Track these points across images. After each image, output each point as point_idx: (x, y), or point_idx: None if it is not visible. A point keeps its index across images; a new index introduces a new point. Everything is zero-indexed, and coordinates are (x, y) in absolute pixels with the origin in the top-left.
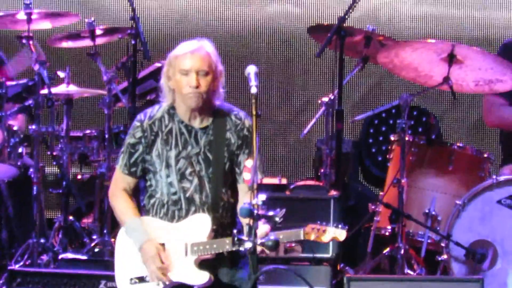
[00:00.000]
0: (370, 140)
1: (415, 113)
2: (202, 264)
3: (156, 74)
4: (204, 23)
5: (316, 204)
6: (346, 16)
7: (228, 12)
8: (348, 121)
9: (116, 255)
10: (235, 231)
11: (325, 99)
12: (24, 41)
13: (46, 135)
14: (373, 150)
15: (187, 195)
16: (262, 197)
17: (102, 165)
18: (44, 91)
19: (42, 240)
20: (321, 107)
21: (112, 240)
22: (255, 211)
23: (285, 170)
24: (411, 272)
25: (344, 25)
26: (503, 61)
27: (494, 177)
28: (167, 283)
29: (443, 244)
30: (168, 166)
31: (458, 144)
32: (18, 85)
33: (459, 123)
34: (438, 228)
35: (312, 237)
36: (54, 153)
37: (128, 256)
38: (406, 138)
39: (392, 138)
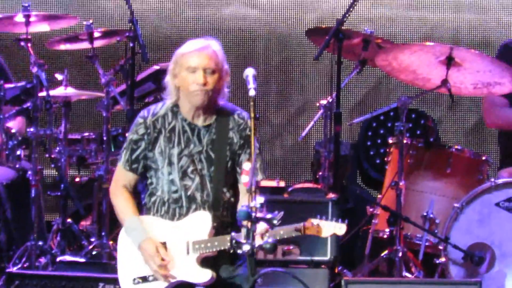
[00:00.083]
0: (368, 143)
1: (413, 115)
2: (204, 261)
3: (154, 77)
4: (202, 26)
5: (314, 207)
6: (344, 19)
7: (226, 14)
8: (346, 124)
9: (118, 255)
10: (233, 233)
11: (323, 101)
12: (22, 43)
13: (44, 137)
14: (371, 152)
15: (188, 193)
16: (260, 199)
17: (100, 167)
18: (43, 93)
19: (40, 243)
20: (319, 110)
21: (111, 242)
22: (253, 214)
23: (283, 172)
24: (409, 275)
25: (342, 28)
26: (502, 63)
27: (492, 179)
28: (171, 280)
29: (441, 247)
30: (170, 163)
31: (456, 147)
32: (16, 87)
33: (457, 126)
34: (436, 231)
35: (312, 232)
36: (53, 156)
37: (130, 256)
38: (404, 141)
39: (390, 141)
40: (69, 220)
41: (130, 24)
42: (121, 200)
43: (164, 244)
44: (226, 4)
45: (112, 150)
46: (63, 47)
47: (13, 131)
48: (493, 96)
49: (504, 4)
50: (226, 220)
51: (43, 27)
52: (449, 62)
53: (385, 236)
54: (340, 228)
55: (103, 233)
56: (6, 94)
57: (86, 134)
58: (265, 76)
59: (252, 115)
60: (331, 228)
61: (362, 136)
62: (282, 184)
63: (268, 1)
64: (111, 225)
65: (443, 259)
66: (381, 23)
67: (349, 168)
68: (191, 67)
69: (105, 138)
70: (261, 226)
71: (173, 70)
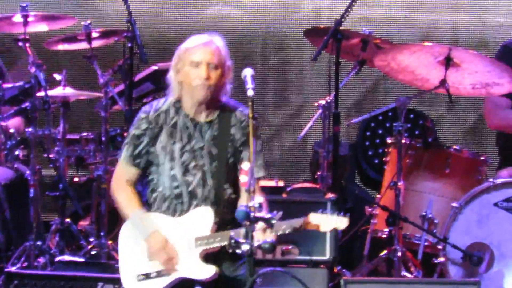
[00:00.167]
0: (367, 143)
1: (412, 116)
2: (206, 257)
3: (152, 77)
4: (200, 26)
5: (313, 207)
6: (343, 19)
7: (225, 15)
8: (345, 124)
9: (120, 252)
10: (232, 233)
11: (322, 102)
12: (20, 43)
13: (42, 137)
14: (370, 153)
15: (190, 188)
16: (259, 199)
17: (98, 168)
18: (41, 93)
19: (39, 243)
20: (318, 110)
21: (109, 242)
22: (252, 214)
23: (281, 172)
24: (408, 275)
25: (341, 28)
26: (500, 64)
27: (491, 180)
28: (177, 274)
29: (440, 247)
30: (172, 159)
31: (455, 147)
32: (14, 87)
33: (456, 126)
34: (435, 231)
35: (314, 226)
36: (51, 156)
37: (132, 253)
38: (403, 141)
39: (388, 141)
40: (67, 220)
41: (128, 24)
42: (124, 195)
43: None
44: (225, 5)
45: (111, 150)
46: (61, 47)
47: (11, 131)
48: (495, 98)
49: (502, 5)
50: (227, 217)
51: (41, 27)
52: (448, 62)
53: (384, 236)
54: (341, 222)
55: (101, 233)
56: (5, 94)
57: (85, 134)
58: (264, 77)
59: (251, 115)
60: (333, 222)
61: (360, 136)
62: (281, 184)
63: (267, 2)
64: (109, 225)
65: (442, 259)
66: (380, 24)
67: (348, 168)
68: (194, 61)
69: (103, 138)
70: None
71: (176, 65)
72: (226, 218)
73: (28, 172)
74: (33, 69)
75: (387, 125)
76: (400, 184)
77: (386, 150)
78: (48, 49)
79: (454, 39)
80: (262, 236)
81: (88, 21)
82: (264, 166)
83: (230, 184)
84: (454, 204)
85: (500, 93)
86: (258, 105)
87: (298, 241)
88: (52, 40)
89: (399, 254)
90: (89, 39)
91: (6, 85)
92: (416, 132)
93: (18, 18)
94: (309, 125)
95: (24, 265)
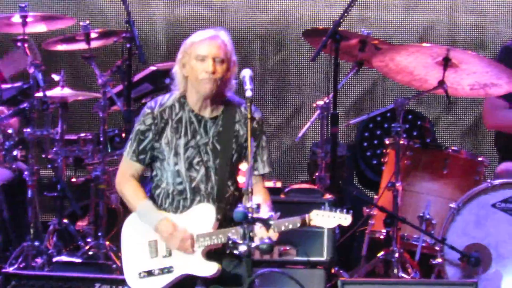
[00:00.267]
0: (365, 144)
1: (410, 117)
2: (209, 254)
3: (151, 78)
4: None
5: (310, 208)
6: (341, 20)
7: (223, 15)
8: (343, 125)
9: (123, 249)
10: (230, 234)
11: (320, 102)
12: (19, 44)
13: (41, 138)
14: (368, 153)
15: (193, 184)
16: (257, 200)
17: (97, 168)
18: (39, 94)
19: (36, 243)
20: (316, 111)
21: (107, 243)
22: (250, 215)
23: (280, 173)
24: (406, 276)
25: (339, 29)
26: (498, 65)
27: (489, 180)
28: (180, 272)
29: (437, 248)
30: (176, 154)
31: (453, 148)
32: (13, 88)
33: (454, 127)
34: (432, 232)
35: (317, 223)
36: (49, 156)
37: (135, 250)
38: (401, 142)
39: (387, 142)
40: (65, 220)
41: (127, 25)
42: (130, 188)
43: None
44: (223, 5)
45: (109, 151)
46: (60, 47)
47: (9, 131)
48: (493, 98)
49: (500, 5)
50: (229, 214)
51: (40, 28)
52: (446, 63)
53: (381, 237)
54: (345, 219)
55: (99, 234)
56: (3, 95)
57: (83, 134)
58: (262, 77)
59: (249, 116)
60: (336, 219)
61: (359, 137)
62: (278, 184)
63: (266, 2)
64: (107, 225)
65: (439, 260)
66: (378, 25)
67: (346, 169)
68: (200, 55)
69: (101, 139)
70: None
71: (182, 60)
72: (229, 215)
73: (26, 172)
74: (31, 69)
75: (386, 126)
76: (398, 185)
77: (384, 151)
78: (47, 49)
79: (452, 40)
80: (265, 233)
81: (87, 22)
82: (270, 162)
83: (233, 181)
84: (452, 205)
85: (498, 93)
86: (257, 106)
87: (295, 242)
88: (50, 41)
89: (397, 255)
90: (87, 39)
91: (4, 86)
92: (414, 133)
93: (17, 18)
94: (307, 126)
95: (22, 265)
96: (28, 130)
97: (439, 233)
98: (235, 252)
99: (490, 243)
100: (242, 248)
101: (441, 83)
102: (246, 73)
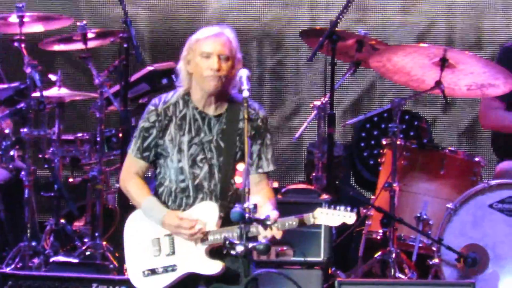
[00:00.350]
0: (362, 144)
1: (407, 117)
2: (212, 252)
3: (148, 78)
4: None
5: (307, 208)
6: (338, 20)
7: (221, 15)
8: (340, 125)
9: (126, 247)
10: (226, 235)
11: (317, 103)
12: (16, 44)
13: (38, 138)
14: (365, 154)
15: (196, 182)
16: (254, 200)
17: (93, 168)
18: (36, 94)
19: (33, 243)
20: (313, 111)
21: (104, 243)
22: (247, 215)
23: (276, 173)
24: (403, 276)
25: (336, 29)
26: (495, 65)
27: (486, 181)
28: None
29: (434, 248)
30: (180, 151)
31: (449, 149)
32: (9, 88)
33: (451, 127)
34: (429, 232)
35: (322, 221)
36: (46, 157)
37: (138, 249)
38: (398, 142)
39: (384, 142)
40: (62, 220)
41: (124, 25)
42: (134, 185)
43: (171, 236)
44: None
45: (106, 151)
46: (57, 47)
47: (6, 131)
48: (489, 99)
49: (497, 6)
50: None
51: (37, 28)
52: (443, 63)
53: (378, 238)
54: (350, 217)
55: (96, 234)
56: (0, 95)
57: (80, 135)
58: (259, 77)
59: (246, 116)
60: (341, 217)
61: (355, 137)
62: (275, 185)
63: (263, 2)
64: (104, 226)
65: (436, 261)
66: (375, 25)
67: (343, 170)
68: (206, 52)
69: (98, 139)
70: (272, 215)
71: (187, 56)
72: None
73: (23, 172)
74: (28, 70)
75: (382, 126)
76: (395, 185)
77: (381, 151)
78: (44, 49)
79: (449, 40)
80: (269, 232)
81: (84, 22)
82: (274, 160)
83: (236, 179)
84: (449, 206)
85: (495, 94)
86: None
87: (292, 243)
88: (47, 41)
89: (394, 255)
90: (84, 39)
91: (1, 86)
92: (411, 133)
93: (14, 18)
94: (304, 126)
95: (19, 266)
96: (25, 130)
97: (436, 234)
98: (232, 252)
99: (487, 243)
100: (239, 248)
101: (438, 83)
102: (243, 73)
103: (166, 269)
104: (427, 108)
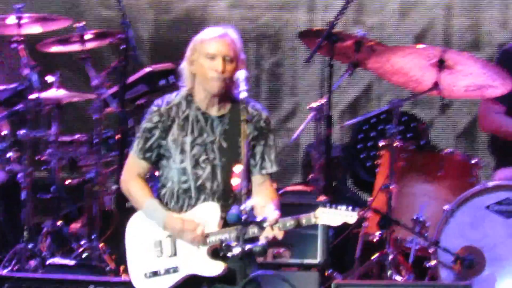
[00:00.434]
0: (360, 146)
1: (404, 118)
2: (214, 253)
3: (146, 79)
4: (194, 29)
5: (305, 210)
6: (336, 21)
7: (218, 17)
8: (338, 126)
9: (128, 249)
10: (223, 236)
11: (315, 104)
12: (14, 45)
13: (35, 139)
14: (363, 155)
15: (199, 182)
16: (251, 202)
17: (91, 170)
18: (34, 95)
19: (30, 245)
20: (311, 113)
21: (101, 245)
22: (243, 217)
23: (274, 175)
24: (399, 278)
25: (334, 30)
26: (493, 66)
27: (483, 182)
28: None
29: (431, 250)
30: (182, 151)
31: (447, 150)
32: (8, 89)
33: (448, 128)
34: (426, 234)
35: (324, 221)
36: (44, 158)
37: (140, 251)
38: (396, 144)
39: (381, 144)
40: (59, 222)
41: (122, 26)
42: (136, 187)
43: (173, 238)
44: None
45: (104, 152)
46: (55, 49)
47: (4, 133)
48: (489, 102)
49: (495, 7)
50: None
51: (36, 29)
52: (441, 65)
53: (375, 239)
54: (351, 217)
55: (93, 236)
56: None
57: (78, 136)
58: (257, 79)
59: (243, 118)
60: (343, 216)
61: (353, 139)
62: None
63: (261, 3)
64: (101, 227)
65: (433, 262)
66: (373, 26)
67: (340, 171)
68: (210, 53)
69: (96, 141)
70: (272, 216)
71: (191, 57)
72: None
73: (20, 173)
74: (26, 71)
75: (380, 127)
76: (392, 187)
77: (378, 152)
78: (42, 50)
79: (447, 41)
80: (270, 232)
81: (82, 23)
82: (277, 161)
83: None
84: (446, 207)
85: (494, 95)
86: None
87: (289, 244)
88: (45, 42)
89: (391, 257)
90: (82, 40)
91: None
92: (409, 135)
93: (12, 19)
94: (301, 127)
95: (16, 268)
96: (23, 131)
97: (433, 236)
98: (228, 254)
99: (484, 245)
100: (236, 250)
101: (436, 84)
102: (241, 74)
103: (168, 271)
104: (425, 109)
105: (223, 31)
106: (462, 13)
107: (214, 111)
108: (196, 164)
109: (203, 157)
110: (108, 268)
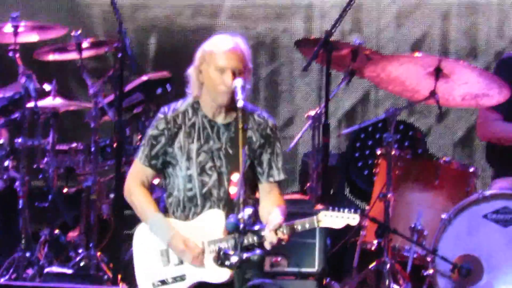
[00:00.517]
0: (357, 154)
1: (401, 127)
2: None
3: (143, 87)
4: (191, 36)
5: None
6: (333, 30)
7: (216, 25)
8: (335, 135)
9: (135, 258)
10: (220, 245)
11: (312, 113)
12: (10, 54)
13: (32, 148)
14: (360, 164)
15: (204, 190)
16: (248, 211)
17: (88, 178)
18: (31, 104)
19: (27, 254)
20: (308, 121)
21: (98, 254)
22: (241, 225)
23: None
24: (397, 287)
25: (331, 39)
26: (490, 75)
27: (480, 191)
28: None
29: (429, 259)
30: (189, 158)
31: (444, 159)
32: (4, 98)
33: (445, 137)
34: (424, 243)
35: (326, 224)
36: (40, 167)
37: (148, 259)
38: (393, 152)
39: (378, 152)
40: (56, 231)
41: (119, 34)
42: (140, 197)
43: None
44: (216, 15)
45: (100, 161)
46: (51, 57)
47: (1, 141)
48: (487, 110)
49: (492, 15)
50: None
51: (32, 37)
52: (438, 73)
53: (373, 248)
54: (354, 219)
55: (90, 245)
56: None
57: (74, 145)
58: (254, 87)
59: (241, 126)
60: (345, 219)
61: (350, 147)
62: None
63: (258, 12)
64: (98, 236)
65: (431, 271)
66: (370, 34)
67: (337, 180)
68: (220, 66)
69: (93, 149)
70: (276, 220)
71: (200, 66)
72: None
73: (17, 182)
74: (23, 80)
75: (377, 136)
76: (390, 195)
77: (375, 161)
78: (38, 59)
79: (443, 50)
80: (274, 236)
81: (79, 31)
82: (285, 169)
83: (246, 187)
84: (443, 216)
85: (490, 104)
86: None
87: (287, 253)
88: (42, 50)
89: (388, 266)
90: (79, 49)
91: None
92: (406, 144)
93: (8, 28)
94: (298, 136)
95: (13, 276)
96: (20, 140)
97: (431, 244)
98: (226, 263)
99: (482, 254)
100: (234, 259)
101: (433, 93)
102: (238, 83)
103: (175, 279)
104: (421, 118)
105: (233, 43)
106: (459, 21)
107: (220, 119)
108: (202, 171)
109: (210, 164)
110: (105, 277)
